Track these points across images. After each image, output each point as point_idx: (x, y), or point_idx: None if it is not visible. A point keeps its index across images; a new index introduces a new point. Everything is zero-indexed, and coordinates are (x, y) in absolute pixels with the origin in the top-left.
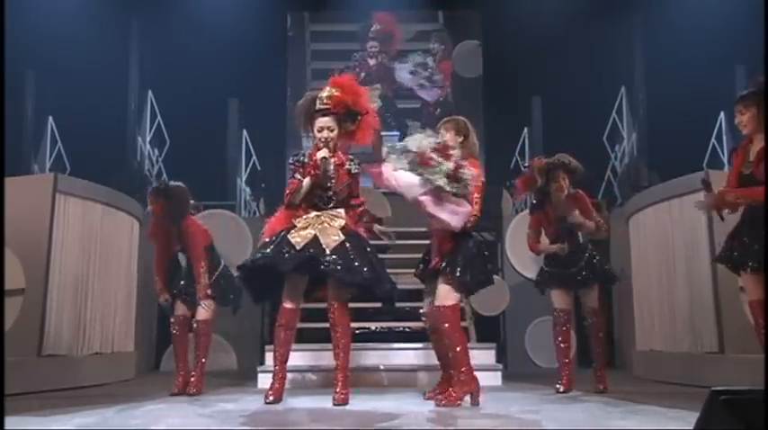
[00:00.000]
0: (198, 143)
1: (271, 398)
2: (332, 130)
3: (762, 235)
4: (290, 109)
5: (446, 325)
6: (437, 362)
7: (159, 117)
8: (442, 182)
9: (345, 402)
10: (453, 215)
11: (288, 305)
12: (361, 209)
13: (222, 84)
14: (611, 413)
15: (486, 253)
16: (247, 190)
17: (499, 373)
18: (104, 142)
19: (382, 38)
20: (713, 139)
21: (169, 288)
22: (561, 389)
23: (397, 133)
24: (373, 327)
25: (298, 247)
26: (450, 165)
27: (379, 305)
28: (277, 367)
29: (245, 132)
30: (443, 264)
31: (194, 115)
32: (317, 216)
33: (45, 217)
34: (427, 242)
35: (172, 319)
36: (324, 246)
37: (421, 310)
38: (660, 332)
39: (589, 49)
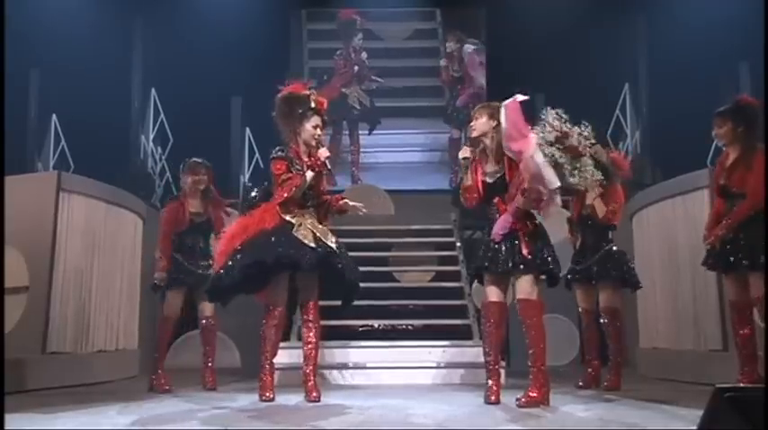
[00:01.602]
0: (201, 141)
1: (270, 394)
2: (322, 130)
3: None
4: None
5: (535, 319)
6: (439, 360)
7: (162, 115)
8: (576, 179)
9: (319, 397)
10: (551, 206)
11: (281, 307)
12: (327, 200)
13: (225, 82)
14: (615, 411)
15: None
16: (249, 185)
17: (502, 371)
18: (108, 140)
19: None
20: None
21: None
22: (580, 384)
23: (397, 131)
24: (376, 325)
25: (312, 245)
26: (590, 167)
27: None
28: (269, 364)
29: (248, 130)
30: (531, 260)
31: (197, 113)
32: (302, 215)
33: (49, 215)
34: (424, 240)
35: (163, 316)
36: (332, 245)
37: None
38: (664, 330)
39: (593, 46)
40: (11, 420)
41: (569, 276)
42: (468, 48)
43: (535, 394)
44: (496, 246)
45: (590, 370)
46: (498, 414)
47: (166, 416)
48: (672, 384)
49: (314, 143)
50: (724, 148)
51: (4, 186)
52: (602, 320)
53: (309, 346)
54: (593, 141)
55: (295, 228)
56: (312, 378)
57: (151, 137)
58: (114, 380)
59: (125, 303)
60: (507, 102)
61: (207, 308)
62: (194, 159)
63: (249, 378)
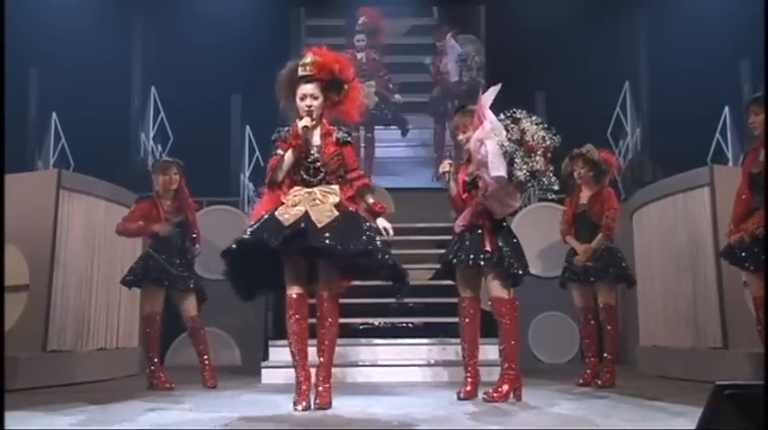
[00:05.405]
0: (201, 139)
1: (303, 405)
2: (315, 98)
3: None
4: None
5: (507, 317)
6: (439, 358)
7: (162, 113)
8: (523, 176)
9: (329, 404)
10: (503, 206)
11: (293, 292)
12: (360, 182)
13: (225, 80)
14: (615, 408)
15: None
16: (250, 186)
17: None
18: (108, 138)
19: (369, 31)
20: (717, 134)
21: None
22: (580, 382)
23: (395, 128)
24: (377, 323)
25: (286, 224)
26: (541, 165)
27: (385, 301)
28: (298, 367)
29: (248, 128)
30: (491, 257)
31: (197, 111)
32: (309, 192)
33: (49, 213)
34: (425, 238)
35: (145, 315)
36: (315, 223)
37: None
38: (664, 327)
39: (593, 44)
40: (11, 418)
41: (566, 275)
42: (452, 42)
43: (502, 390)
44: (461, 239)
45: (589, 367)
46: (503, 412)
47: (166, 414)
48: (672, 382)
49: (303, 115)
50: (756, 137)
51: (4, 185)
52: (601, 318)
53: (320, 345)
54: (547, 142)
55: (284, 208)
56: (322, 379)
57: (151, 135)
58: (115, 379)
59: (125, 301)
60: (484, 94)
61: (190, 307)
62: (165, 158)
63: (249, 376)
